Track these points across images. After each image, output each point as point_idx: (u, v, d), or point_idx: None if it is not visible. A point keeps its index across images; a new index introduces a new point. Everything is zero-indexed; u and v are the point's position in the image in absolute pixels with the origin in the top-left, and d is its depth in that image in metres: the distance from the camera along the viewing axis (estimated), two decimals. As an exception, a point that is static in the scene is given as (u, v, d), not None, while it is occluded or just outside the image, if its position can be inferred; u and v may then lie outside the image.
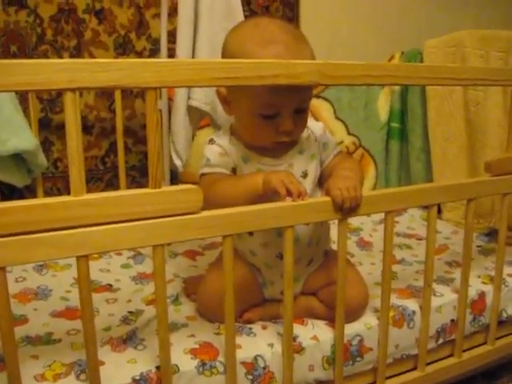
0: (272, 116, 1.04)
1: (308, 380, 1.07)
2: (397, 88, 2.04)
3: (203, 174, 1.10)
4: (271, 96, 1.00)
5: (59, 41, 1.76)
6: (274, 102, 1.02)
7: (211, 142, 1.12)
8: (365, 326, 1.13)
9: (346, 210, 0.98)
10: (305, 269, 1.17)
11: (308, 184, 1.12)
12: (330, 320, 1.10)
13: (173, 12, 1.66)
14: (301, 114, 1.07)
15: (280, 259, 1.03)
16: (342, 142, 2.02)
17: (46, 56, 1.75)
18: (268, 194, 0.97)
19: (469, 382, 1.40)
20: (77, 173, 0.77)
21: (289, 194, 0.94)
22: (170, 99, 1.54)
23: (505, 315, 1.34)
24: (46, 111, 1.78)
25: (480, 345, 1.33)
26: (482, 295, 1.29)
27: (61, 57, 1.76)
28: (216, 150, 1.10)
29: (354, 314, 1.13)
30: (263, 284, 1.17)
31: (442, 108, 1.86)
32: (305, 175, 1.12)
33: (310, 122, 1.15)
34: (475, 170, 1.75)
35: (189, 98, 1.42)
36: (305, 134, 1.14)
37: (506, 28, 1.80)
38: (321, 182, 1.16)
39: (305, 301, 1.16)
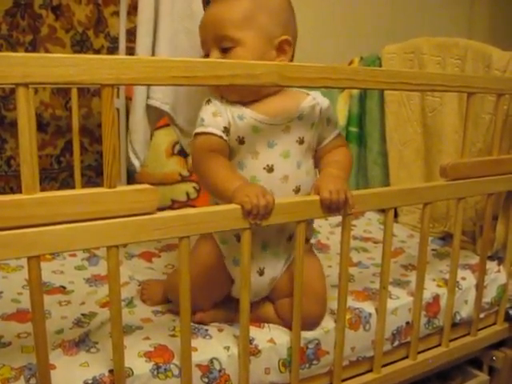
0: (207, 55, 1.11)
1: (264, 383, 1.06)
2: (355, 92, 2.06)
3: (196, 134, 1.10)
4: (200, 34, 1.13)
5: (14, 36, 1.72)
6: (202, 39, 1.12)
7: (208, 102, 1.11)
8: (322, 330, 1.13)
9: (333, 209, 1.01)
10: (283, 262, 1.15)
11: (302, 150, 1.12)
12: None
13: (132, 10, 1.64)
14: (227, 52, 1.09)
15: (263, 250, 1.10)
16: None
17: (-1, 51, 1.70)
18: None
19: (423, 383, 1.42)
20: (29, 170, 0.74)
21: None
22: (129, 98, 1.52)
23: (458, 317, 1.36)
24: (-1, 108, 1.74)
25: (434, 347, 1.34)
26: (436, 298, 1.31)
27: (15, 52, 1.70)
28: (210, 110, 1.10)
29: (309, 327, 1.12)
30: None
31: (399, 113, 1.88)
32: (301, 141, 1.12)
33: (318, 95, 1.16)
34: (431, 175, 1.78)
35: (148, 97, 1.40)
36: (310, 102, 1.13)
37: (462, 36, 1.83)
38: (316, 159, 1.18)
39: (262, 309, 1.16)
